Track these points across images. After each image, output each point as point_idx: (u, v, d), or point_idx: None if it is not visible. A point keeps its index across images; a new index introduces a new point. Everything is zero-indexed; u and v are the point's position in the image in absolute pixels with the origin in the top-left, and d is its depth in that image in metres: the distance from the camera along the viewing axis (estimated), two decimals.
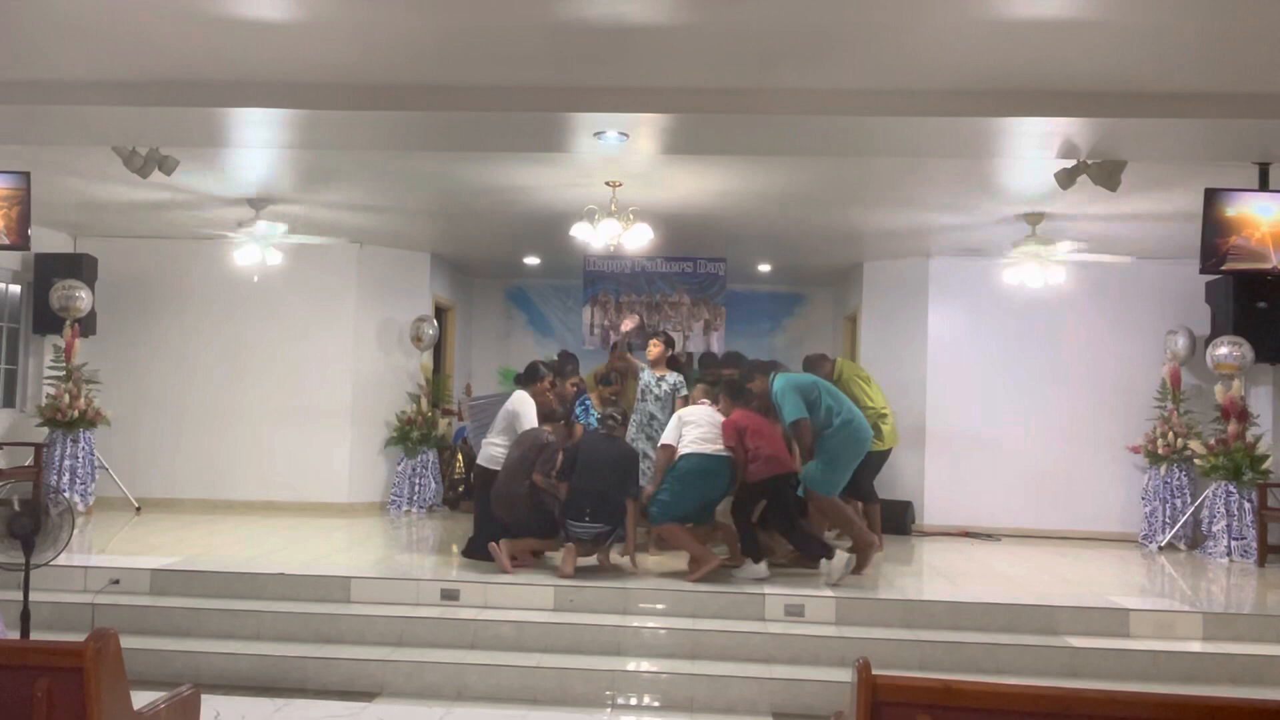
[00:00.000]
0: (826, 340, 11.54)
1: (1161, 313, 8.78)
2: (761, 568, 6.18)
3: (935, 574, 6.99)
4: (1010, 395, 9.10)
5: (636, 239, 7.16)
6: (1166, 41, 4.09)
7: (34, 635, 4.67)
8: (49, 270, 8.65)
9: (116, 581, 5.83)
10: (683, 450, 6.30)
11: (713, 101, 4.73)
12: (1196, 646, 5.43)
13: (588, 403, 7.54)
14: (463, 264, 11.04)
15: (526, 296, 12.13)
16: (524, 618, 5.54)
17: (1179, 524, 8.21)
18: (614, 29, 4.07)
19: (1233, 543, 7.73)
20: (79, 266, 8.71)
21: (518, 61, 4.46)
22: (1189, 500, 8.25)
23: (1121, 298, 8.98)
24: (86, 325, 8.76)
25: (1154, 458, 8.39)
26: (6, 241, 6.24)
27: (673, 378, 7.39)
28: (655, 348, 7.44)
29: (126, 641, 3.03)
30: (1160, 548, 8.21)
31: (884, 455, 7.67)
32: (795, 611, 5.64)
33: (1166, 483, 8.30)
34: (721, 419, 6.42)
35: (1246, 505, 7.77)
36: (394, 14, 4.00)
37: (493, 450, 6.62)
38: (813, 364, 7.35)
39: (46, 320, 8.66)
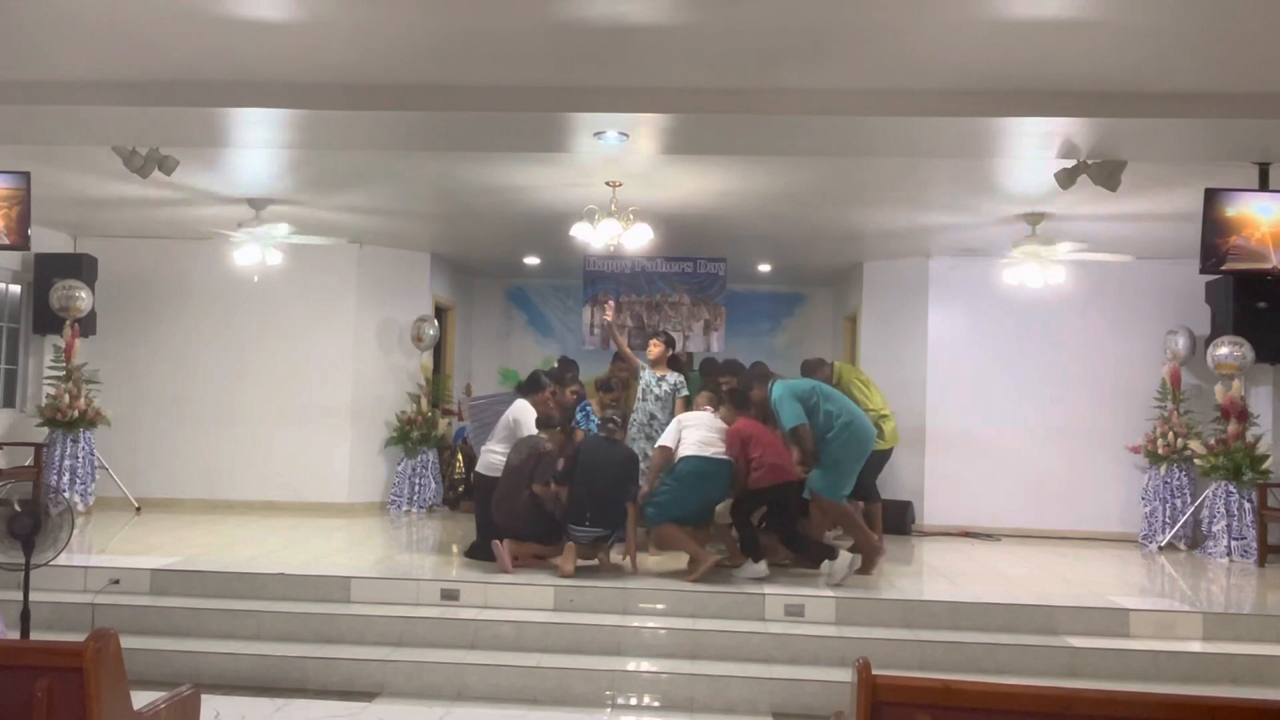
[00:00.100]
0: (826, 340, 11.55)
1: (1161, 313, 8.78)
2: (761, 567, 6.19)
3: (935, 574, 6.99)
4: (1010, 395, 9.10)
5: (636, 239, 7.16)
6: (1166, 41, 4.09)
7: (34, 635, 4.67)
8: (49, 270, 8.65)
9: (116, 581, 5.83)
10: (682, 453, 6.30)
11: (713, 101, 4.73)
12: (1196, 646, 5.43)
13: (588, 408, 7.56)
14: (463, 264, 11.04)
15: (526, 296, 12.13)
16: (524, 618, 5.54)
17: (1179, 524, 8.21)
18: (614, 29, 4.07)
19: (1233, 543, 7.73)
20: (79, 266, 8.71)
21: (518, 61, 4.46)
22: (1189, 500, 8.25)
23: (1121, 298, 8.98)
24: (86, 325, 8.75)
25: (1154, 458, 8.39)
26: (6, 241, 6.24)
27: (673, 378, 7.39)
28: (655, 348, 7.44)
29: (126, 641, 3.03)
30: (1160, 548, 8.21)
31: (886, 454, 7.69)
32: (795, 611, 5.64)
33: (1166, 483, 8.31)
34: (721, 424, 6.43)
35: (1246, 505, 7.77)
36: (394, 14, 4.00)
37: (492, 458, 6.62)
38: (810, 369, 7.36)
39: (46, 320, 8.66)
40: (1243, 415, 7.88)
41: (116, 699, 2.84)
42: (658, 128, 5.12)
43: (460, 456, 10.35)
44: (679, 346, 8.89)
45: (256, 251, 7.94)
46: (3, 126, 5.27)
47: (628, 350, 7.88)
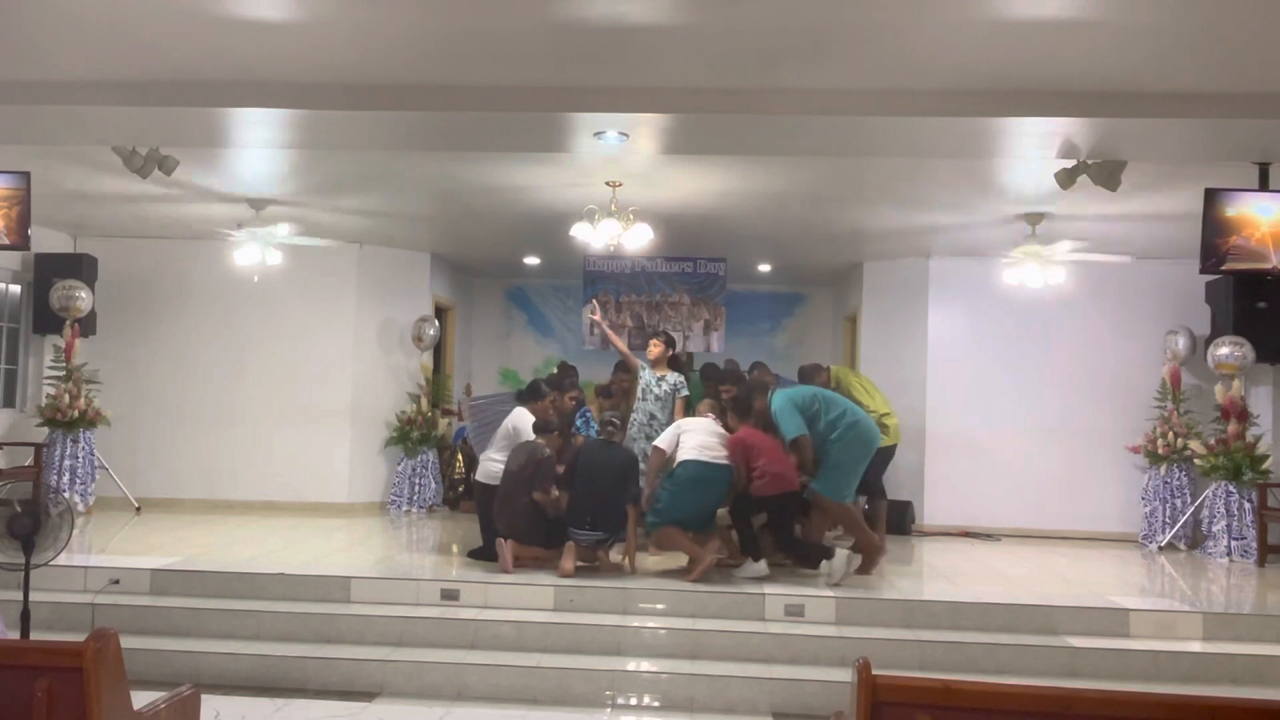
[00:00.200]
0: (826, 340, 11.55)
1: (1161, 313, 8.78)
2: (761, 566, 6.19)
3: (935, 574, 6.99)
4: (1010, 395, 9.10)
5: (636, 239, 7.16)
6: (1166, 41, 4.09)
7: (34, 635, 4.67)
8: (49, 270, 8.65)
9: (116, 581, 5.83)
10: (681, 457, 6.29)
11: (713, 101, 4.73)
12: (1196, 646, 5.43)
13: (588, 414, 7.57)
14: (463, 264, 11.04)
15: (526, 296, 12.13)
16: (524, 618, 5.54)
17: (1179, 524, 8.21)
18: (614, 29, 4.07)
19: (1233, 543, 7.73)
20: (79, 266, 8.71)
21: (518, 61, 4.46)
22: (1189, 500, 8.25)
23: (1121, 298, 8.98)
24: (86, 325, 8.76)
25: (1154, 458, 8.39)
26: (6, 241, 6.24)
27: (673, 378, 7.39)
28: (655, 348, 7.43)
29: (126, 641, 3.03)
30: (1160, 548, 8.22)
31: (890, 451, 7.72)
32: (795, 611, 5.64)
33: (1166, 483, 8.31)
34: (721, 429, 6.44)
35: (1246, 505, 7.77)
36: (394, 14, 4.00)
37: (492, 466, 6.63)
38: (808, 375, 7.38)
39: (46, 320, 8.66)
40: (1243, 415, 7.88)
41: (116, 699, 2.84)
42: (658, 128, 5.12)
43: (460, 456, 10.35)
44: (679, 346, 8.89)
45: (256, 251, 7.94)
46: (3, 126, 5.27)
47: (623, 348, 7.87)
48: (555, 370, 9.08)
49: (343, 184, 7.21)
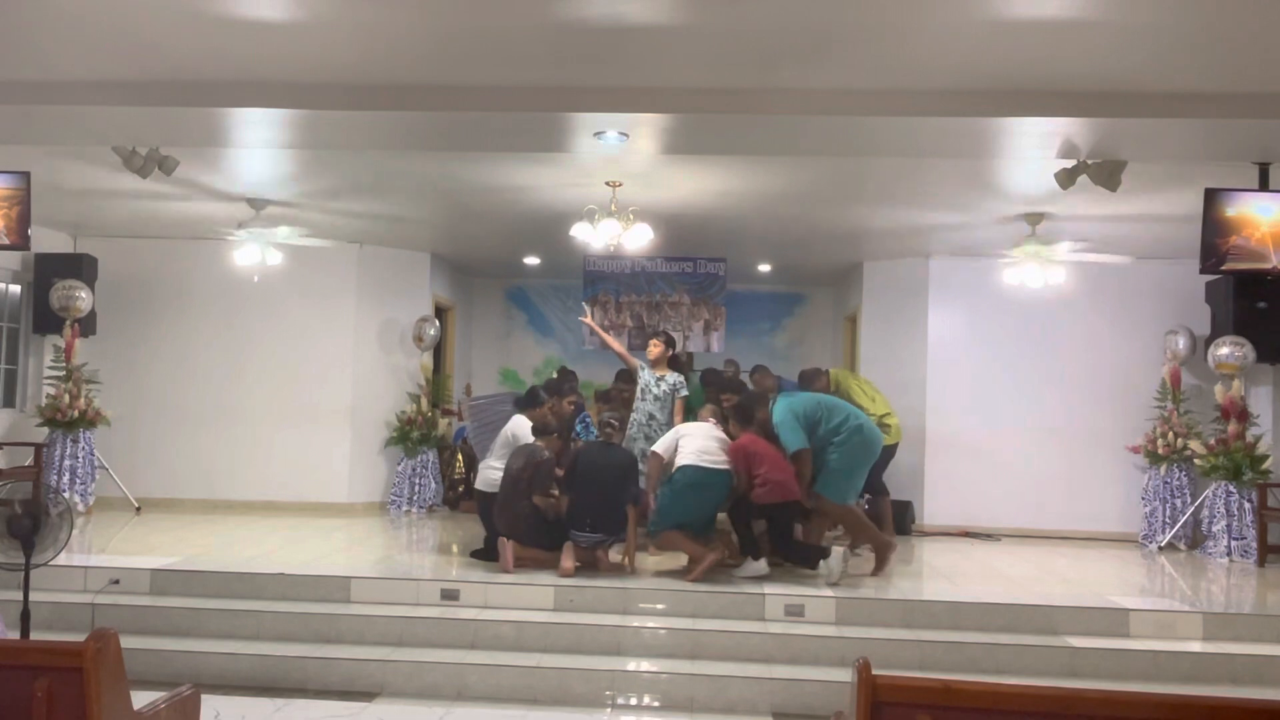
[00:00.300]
0: (826, 340, 11.55)
1: (1161, 313, 8.78)
2: (762, 565, 6.19)
3: (935, 574, 6.98)
4: (1010, 395, 9.10)
5: (636, 239, 7.16)
6: (1166, 41, 4.09)
7: (34, 635, 4.67)
8: (49, 270, 8.65)
9: (116, 581, 5.83)
10: (680, 462, 6.29)
11: (713, 101, 4.73)
12: (1196, 646, 5.43)
13: (587, 419, 7.57)
14: (463, 264, 11.04)
15: (526, 296, 12.13)
16: (524, 618, 5.54)
17: (1179, 524, 8.20)
18: (614, 29, 4.07)
19: (1233, 543, 7.73)
20: (79, 266, 8.71)
21: (518, 61, 4.46)
22: (1189, 500, 8.25)
23: (1121, 298, 8.98)
24: (86, 325, 8.76)
25: (1154, 458, 8.39)
26: (6, 241, 6.24)
27: (672, 378, 7.39)
28: (655, 348, 7.44)
29: (126, 641, 3.03)
30: (1160, 548, 8.21)
31: (892, 449, 7.75)
32: (795, 611, 5.64)
33: (1166, 483, 8.31)
34: (721, 434, 6.44)
35: (1246, 505, 7.77)
36: (394, 14, 4.00)
37: (491, 474, 6.63)
38: (808, 380, 7.36)
39: (46, 320, 8.66)
40: (1243, 415, 7.88)
41: (116, 699, 2.84)
42: (658, 128, 5.12)
43: (460, 456, 10.36)
44: (679, 346, 8.90)
45: (256, 251, 7.95)
46: (3, 126, 5.27)
47: (621, 350, 7.87)
48: (554, 375, 9.09)
49: (343, 184, 7.21)
